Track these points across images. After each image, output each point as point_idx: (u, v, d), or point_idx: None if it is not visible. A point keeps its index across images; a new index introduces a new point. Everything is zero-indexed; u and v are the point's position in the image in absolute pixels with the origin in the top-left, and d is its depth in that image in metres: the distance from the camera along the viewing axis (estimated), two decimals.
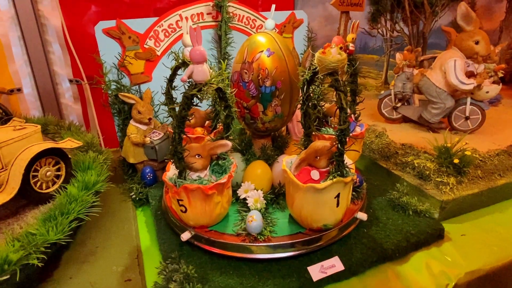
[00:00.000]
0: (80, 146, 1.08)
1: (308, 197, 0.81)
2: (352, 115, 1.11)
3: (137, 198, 1.19)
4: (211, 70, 0.82)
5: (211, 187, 0.82)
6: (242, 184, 0.97)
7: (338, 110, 1.04)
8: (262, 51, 0.91)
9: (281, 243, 0.85)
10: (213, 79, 0.80)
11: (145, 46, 1.26)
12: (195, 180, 0.85)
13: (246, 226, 0.85)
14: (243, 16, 1.38)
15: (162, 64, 1.29)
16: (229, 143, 0.89)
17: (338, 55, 0.73)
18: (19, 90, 1.78)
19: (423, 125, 1.47)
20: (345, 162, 0.85)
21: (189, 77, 0.77)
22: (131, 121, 1.22)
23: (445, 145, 1.14)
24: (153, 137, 1.20)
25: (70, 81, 1.76)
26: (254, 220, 0.85)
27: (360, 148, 1.12)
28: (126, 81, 1.27)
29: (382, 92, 1.55)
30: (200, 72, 0.77)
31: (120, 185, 1.30)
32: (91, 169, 1.05)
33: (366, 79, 2.06)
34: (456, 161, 1.09)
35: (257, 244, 0.84)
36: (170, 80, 1.09)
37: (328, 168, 0.83)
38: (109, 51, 1.22)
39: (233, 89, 0.92)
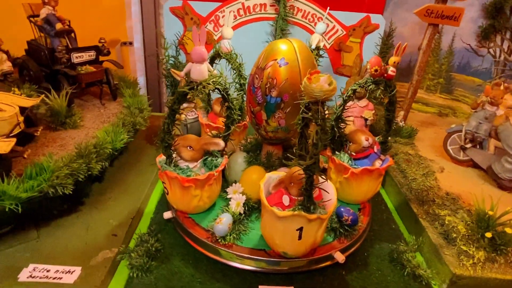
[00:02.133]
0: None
1: (270, 220, 0.79)
2: (375, 147, 0.98)
3: None
4: (214, 71, 0.83)
5: (188, 180, 0.86)
6: (234, 184, 0.99)
7: (354, 136, 0.95)
8: (275, 60, 0.87)
9: (238, 253, 0.85)
10: (211, 80, 0.81)
11: (204, 28, 1.32)
12: (182, 169, 0.90)
13: (213, 226, 0.88)
14: (308, 12, 1.31)
15: None
16: (222, 144, 0.91)
17: (325, 85, 0.65)
18: (131, 43, 2.08)
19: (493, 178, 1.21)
20: (321, 199, 0.79)
21: (187, 74, 0.81)
22: None
23: (487, 211, 0.93)
24: (189, 115, 1.29)
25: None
26: (221, 223, 0.86)
27: (375, 184, 1.00)
28: (183, 58, 1.37)
29: (453, 125, 1.31)
30: (197, 71, 0.79)
31: (158, 150, 1.45)
32: (31, 180, 0.88)
33: (459, 104, 1.74)
34: (488, 235, 0.89)
35: (217, 246, 0.87)
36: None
37: (299, 198, 0.78)
38: (172, 29, 1.32)
39: (239, 92, 0.92)
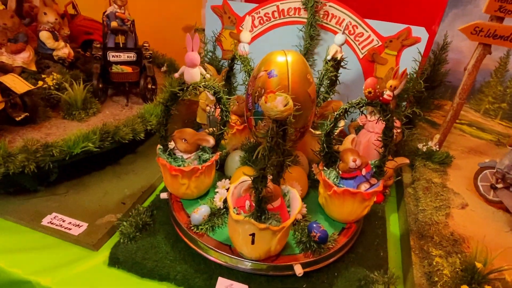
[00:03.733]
0: None
1: (230, 220, 0.85)
2: (363, 170, 0.95)
3: None
4: (207, 74, 0.90)
5: (175, 169, 0.96)
6: (224, 179, 1.06)
7: (343, 155, 0.94)
8: (266, 71, 0.90)
9: (205, 243, 0.93)
10: (201, 83, 0.89)
11: (240, 28, 1.38)
12: (175, 158, 1.01)
13: (191, 214, 0.97)
14: (343, 19, 1.26)
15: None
16: (212, 142, 0.98)
17: (280, 106, 0.67)
18: (203, 30, 2.27)
19: None
20: (278, 212, 0.81)
21: (181, 75, 0.89)
22: None
23: (476, 263, 0.84)
24: (213, 108, 1.38)
25: None
26: (196, 213, 0.95)
27: (360, 207, 0.97)
28: (219, 52, 1.46)
29: (487, 160, 1.16)
30: (189, 75, 0.87)
31: None
32: None
33: None
34: (463, 287, 0.80)
35: (190, 233, 0.96)
36: (230, 68, 1.22)
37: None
38: (212, 26, 1.42)
39: (234, 97, 0.97)
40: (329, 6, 1.25)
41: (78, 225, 1.06)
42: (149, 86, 1.36)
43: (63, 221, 1.07)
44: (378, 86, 0.85)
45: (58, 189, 1.20)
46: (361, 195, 0.93)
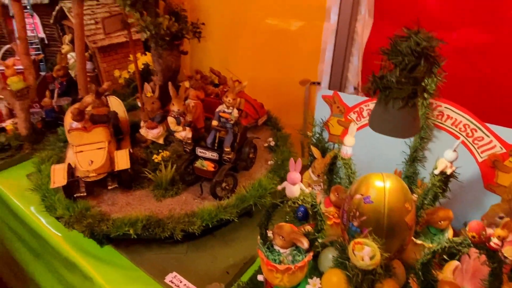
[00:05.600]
0: None
1: None
2: None
3: None
4: (305, 190, 1.00)
5: (270, 264, 1.08)
6: (315, 277, 1.12)
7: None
8: (362, 195, 0.93)
9: None
10: (300, 198, 0.99)
11: (348, 117, 1.44)
12: (273, 251, 1.12)
13: None
14: (460, 121, 1.18)
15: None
16: (306, 245, 1.06)
17: (366, 258, 0.72)
18: (319, 83, 2.40)
19: None
20: None
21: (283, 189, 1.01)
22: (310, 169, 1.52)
23: None
24: (315, 188, 1.46)
25: (355, 88, 2.16)
26: None
27: None
28: (325, 135, 1.55)
29: None
30: (289, 191, 0.99)
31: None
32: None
33: None
34: None
35: None
36: (332, 163, 1.29)
37: None
38: (321, 111, 1.51)
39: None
40: (445, 107, 1.21)
41: None
42: (223, 185, 1.42)
43: (180, 282, 1.30)
44: (484, 232, 0.80)
45: (180, 247, 1.44)
46: None
